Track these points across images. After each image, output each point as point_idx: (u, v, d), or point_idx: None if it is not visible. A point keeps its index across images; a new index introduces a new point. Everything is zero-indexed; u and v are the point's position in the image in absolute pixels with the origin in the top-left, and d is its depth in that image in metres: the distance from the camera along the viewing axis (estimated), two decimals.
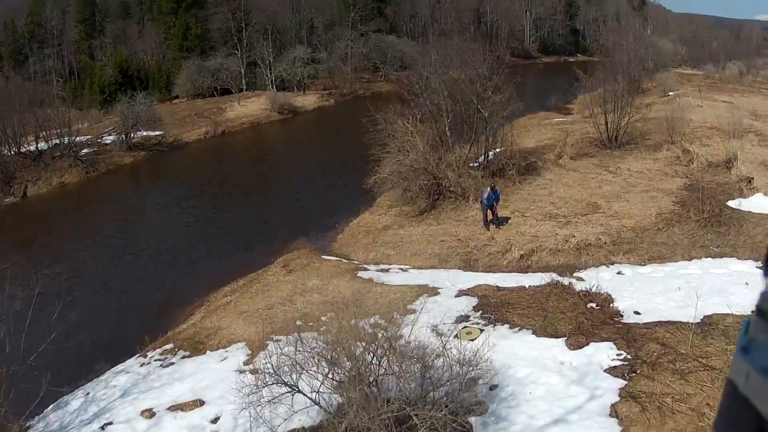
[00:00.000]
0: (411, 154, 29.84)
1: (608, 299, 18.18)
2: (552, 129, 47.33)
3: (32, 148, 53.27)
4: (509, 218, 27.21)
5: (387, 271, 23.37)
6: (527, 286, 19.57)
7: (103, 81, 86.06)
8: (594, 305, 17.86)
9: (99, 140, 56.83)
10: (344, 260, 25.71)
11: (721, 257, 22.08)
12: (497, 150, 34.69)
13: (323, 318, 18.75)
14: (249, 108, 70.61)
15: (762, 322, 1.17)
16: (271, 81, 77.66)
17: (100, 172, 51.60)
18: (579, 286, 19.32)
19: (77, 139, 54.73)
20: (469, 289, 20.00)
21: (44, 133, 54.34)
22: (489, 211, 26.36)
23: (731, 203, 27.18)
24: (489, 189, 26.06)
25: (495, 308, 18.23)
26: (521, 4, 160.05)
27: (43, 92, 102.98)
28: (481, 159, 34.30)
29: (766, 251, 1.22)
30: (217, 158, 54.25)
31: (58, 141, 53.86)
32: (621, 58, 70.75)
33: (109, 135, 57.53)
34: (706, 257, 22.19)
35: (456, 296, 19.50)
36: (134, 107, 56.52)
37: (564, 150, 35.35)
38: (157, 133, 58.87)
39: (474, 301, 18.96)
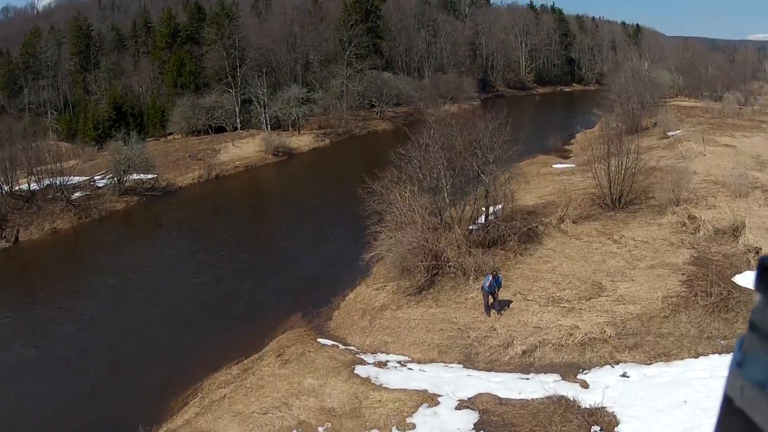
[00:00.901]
0: (409, 232, 29.02)
1: (613, 421, 17.40)
2: (553, 181, 46.63)
3: (24, 186, 52.84)
4: (511, 302, 26.32)
5: (385, 365, 22.57)
6: (530, 400, 18.75)
7: (97, 117, 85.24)
8: (598, 429, 17.08)
9: (91, 183, 56.08)
10: (340, 346, 24.90)
11: (728, 352, 21.34)
12: (498, 207, 34.00)
13: (320, 429, 17.98)
14: (243, 150, 69.94)
15: (755, 336, 1.21)
16: (266, 121, 77.01)
17: (93, 218, 50.82)
18: (584, 400, 18.49)
19: (70, 180, 54.20)
20: (469, 399, 19.17)
21: (36, 171, 53.59)
22: (490, 297, 25.63)
23: (739, 278, 26.41)
24: (491, 276, 25.30)
25: (497, 429, 17.44)
26: (516, 35, 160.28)
27: (37, 124, 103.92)
28: (481, 220, 33.66)
29: (758, 265, 1.23)
30: (210, 207, 53.44)
31: (50, 181, 53.28)
32: (621, 102, 70.71)
33: (102, 178, 56.61)
34: (714, 353, 21.46)
35: (456, 408, 18.71)
36: (126, 151, 55.46)
37: (566, 213, 34.57)
38: (150, 176, 58.20)
39: (475, 416, 18.13)
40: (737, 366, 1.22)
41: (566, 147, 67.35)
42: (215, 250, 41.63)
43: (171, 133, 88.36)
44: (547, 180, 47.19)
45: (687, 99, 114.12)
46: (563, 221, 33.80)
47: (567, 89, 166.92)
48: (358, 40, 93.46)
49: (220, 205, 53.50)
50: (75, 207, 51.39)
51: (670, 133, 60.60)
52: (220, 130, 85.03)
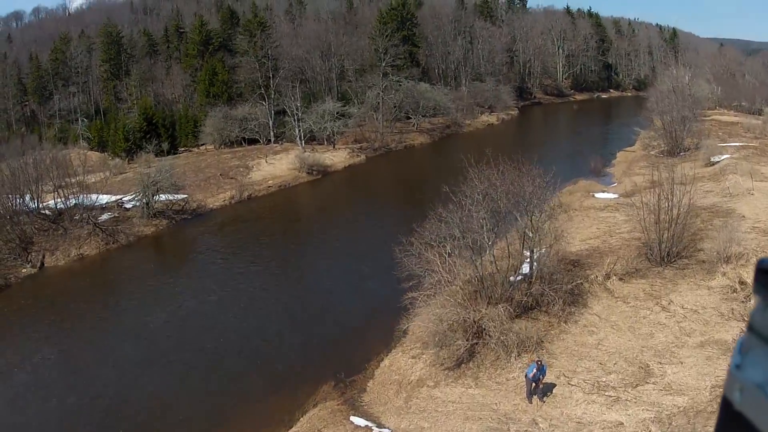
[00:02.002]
0: (448, 306, 26.35)
1: None
2: (596, 219, 43.16)
3: (50, 202, 51.30)
4: (554, 386, 23.72)
5: None
6: None
7: (127, 128, 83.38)
8: None
9: (119, 204, 54.11)
10: (375, 429, 22.57)
11: None
12: (541, 251, 31.07)
13: None
14: (276, 167, 67.65)
15: (754, 338, 1.22)
16: (300, 135, 74.64)
17: (120, 243, 48.74)
18: None
19: (98, 200, 52.44)
20: None
21: (64, 186, 52.15)
22: (533, 383, 23.17)
23: None
24: (535, 366, 22.82)
25: None
26: (554, 41, 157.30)
27: (67, 131, 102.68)
28: (524, 269, 31.07)
29: (756, 269, 1.24)
30: (240, 234, 50.79)
31: (76, 200, 51.47)
32: (663, 121, 67.68)
33: (131, 200, 54.54)
34: None
35: None
36: (155, 176, 53.31)
37: (612, 269, 31.71)
38: (180, 197, 56.07)
39: None
40: (736, 368, 1.24)
41: (607, 169, 64.22)
42: (244, 287, 39.02)
43: (204, 144, 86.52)
44: (590, 217, 43.92)
45: (726, 111, 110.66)
46: (609, 278, 31.00)
47: (604, 96, 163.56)
48: (395, 51, 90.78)
49: (250, 233, 50.88)
50: (102, 231, 49.39)
51: (713, 158, 57.14)
52: (253, 141, 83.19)
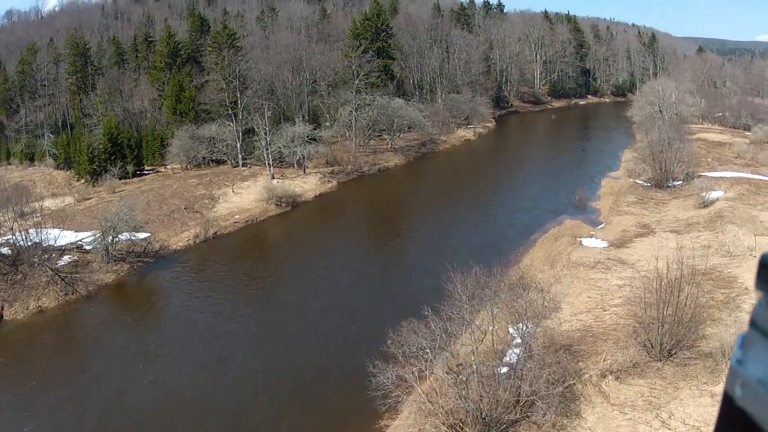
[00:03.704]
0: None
1: None
2: (586, 282, 40.09)
3: (9, 237, 49.01)
4: None
5: None
6: None
7: (92, 149, 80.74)
8: None
9: (78, 247, 51.74)
10: None
11: None
12: (527, 327, 28.75)
13: None
14: (244, 198, 65.18)
15: (756, 333, 1.24)
16: (269, 162, 72.21)
17: (80, 294, 45.93)
18: None
19: (58, 238, 50.13)
20: None
21: (25, 217, 50.31)
22: None
23: None
24: None
25: None
26: (531, 46, 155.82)
27: (34, 146, 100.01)
28: (509, 357, 29.01)
29: (759, 263, 1.26)
30: (204, 282, 48.36)
31: (35, 239, 49.10)
32: (652, 153, 65.61)
33: (90, 243, 52.10)
34: None
35: None
36: (113, 219, 50.86)
37: (608, 366, 29.35)
38: (142, 236, 53.74)
39: None
40: (738, 364, 1.26)
41: (593, 203, 62.12)
42: (210, 351, 36.65)
43: (171, 163, 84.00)
44: (580, 279, 41.08)
45: (710, 125, 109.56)
46: (605, 377, 28.58)
47: (582, 102, 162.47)
48: (368, 67, 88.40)
49: (214, 279, 48.50)
50: (62, 279, 46.87)
51: (706, 195, 54.87)
52: (221, 161, 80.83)
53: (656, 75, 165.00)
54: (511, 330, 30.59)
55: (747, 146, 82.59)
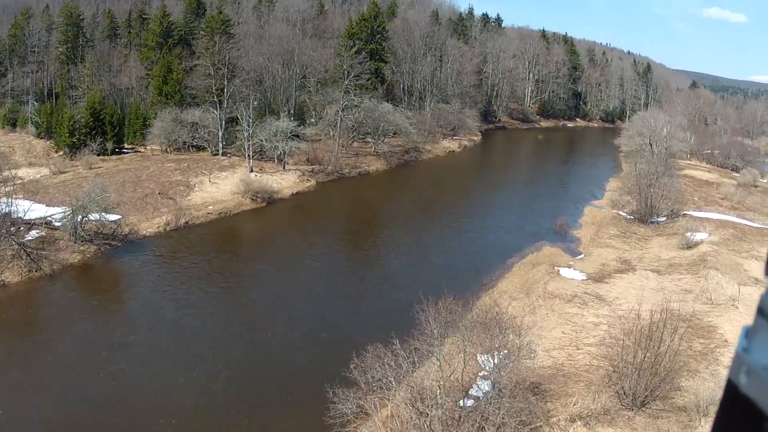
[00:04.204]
0: None
1: None
2: (561, 318, 39.24)
3: None
4: None
5: None
6: None
7: (74, 121, 79.86)
8: None
9: (47, 222, 51.03)
10: None
11: None
12: (495, 361, 28.35)
13: None
14: (220, 188, 64.67)
15: (763, 321, 1.27)
16: (249, 154, 71.72)
17: (44, 272, 45.17)
18: None
19: (28, 210, 49.46)
20: None
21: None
22: None
23: None
24: None
25: None
26: (525, 64, 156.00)
27: (17, 112, 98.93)
28: (477, 390, 28.71)
29: (767, 255, 1.30)
30: (170, 272, 47.83)
31: (7, 208, 48.33)
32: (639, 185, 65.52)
33: (59, 220, 51.38)
34: None
35: None
36: (85, 200, 50.16)
37: (578, 411, 28.51)
38: (113, 218, 53.07)
39: None
40: (743, 351, 1.27)
41: (574, 231, 61.50)
42: (176, 346, 36.00)
43: (151, 144, 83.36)
44: (555, 312, 40.10)
45: (698, 162, 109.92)
46: (573, 422, 27.85)
47: (570, 124, 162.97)
48: (360, 68, 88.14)
49: (183, 271, 47.83)
50: (27, 254, 46.12)
51: (690, 236, 54.44)
52: (201, 148, 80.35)
53: (647, 105, 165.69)
54: (480, 360, 30.17)
55: (734, 188, 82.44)
